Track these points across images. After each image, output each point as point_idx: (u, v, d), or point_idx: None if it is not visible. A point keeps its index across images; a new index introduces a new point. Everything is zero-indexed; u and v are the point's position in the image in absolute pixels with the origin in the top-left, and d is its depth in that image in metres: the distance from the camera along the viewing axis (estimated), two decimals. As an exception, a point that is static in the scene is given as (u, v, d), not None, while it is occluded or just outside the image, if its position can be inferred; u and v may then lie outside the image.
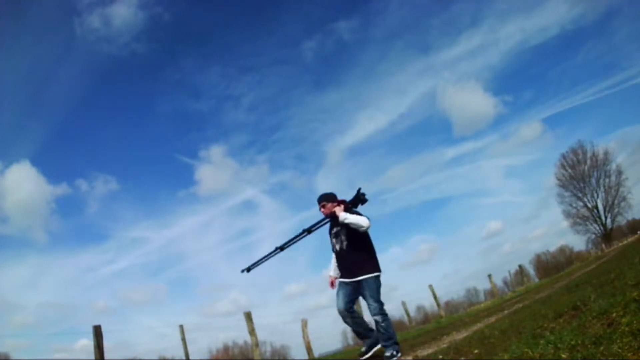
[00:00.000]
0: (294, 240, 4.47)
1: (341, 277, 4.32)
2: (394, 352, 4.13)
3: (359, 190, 4.29)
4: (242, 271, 4.87)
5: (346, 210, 4.24)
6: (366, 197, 4.28)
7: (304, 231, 4.37)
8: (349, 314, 4.24)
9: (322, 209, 4.41)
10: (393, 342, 4.19)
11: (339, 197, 4.45)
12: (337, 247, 4.31)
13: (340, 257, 4.30)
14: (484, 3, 61.82)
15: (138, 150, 61.14)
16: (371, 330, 4.40)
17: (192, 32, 61.71)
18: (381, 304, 4.13)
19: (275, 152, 65.53)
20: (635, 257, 5.66)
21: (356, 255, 4.19)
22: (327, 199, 4.42)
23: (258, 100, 63.98)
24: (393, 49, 64.69)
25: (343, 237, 4.26)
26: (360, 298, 4.29)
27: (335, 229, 4.35)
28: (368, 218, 4.12)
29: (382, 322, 4.11)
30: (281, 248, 4.52)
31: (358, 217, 4.07)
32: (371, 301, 4.09)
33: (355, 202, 4.31)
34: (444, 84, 60.58)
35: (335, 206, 4.29)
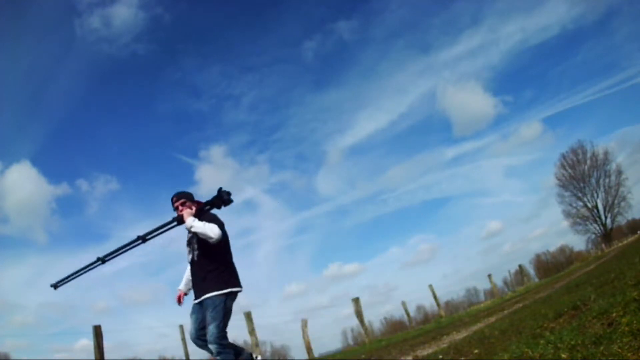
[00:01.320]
0: (124, 250, 3.72)
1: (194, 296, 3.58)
2: None
3: (219, 189, 3.61)
4: (52, 286, 3.99)
5: (198, 214, 3.59)
6: (231, 197, 3.61)
7: (138, 238, 3.65)
8: (203, 342, 3.45)
9: (177, 210, 3.67)
10: None
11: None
12: (189, 257, 3.64)
13: (192, 270, 3.63)
14: (484, 2, 61.73)
15: (138, 150, 61.03)
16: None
17: (192, 31, 61.68)
18: (221, 331, 3.33)
19: (276, 152, 65.47)
20: (635, 257, 5.66)
21: (203, 269, 3.50)
22: (184, 197, 3.70)
23: (258, 99, 63.89)
24: (393, 49, 64.59)
25: (195, 246, 3.57)
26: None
27: (189, 236, 3.65)
28: (221, 226, 3.48)
29: (217, 354, 3.30)
30: (102, 260, 3.75)
31: (207, 225, 3.40)
32: (210, 326, 3.32)
33: (216, 204, 3.65)
34: (444, 84, 60.49)
35: (186, 208, 3.59)
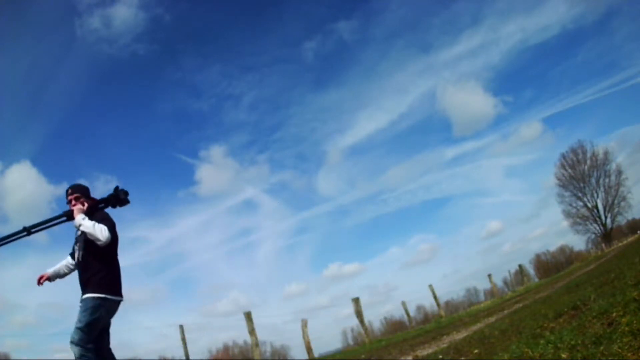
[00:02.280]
0: (11, 240, 3.47)
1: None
2: None
3: (116, 188, 3.47)
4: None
5: (91, 211, 3.41)
6: (128, 197, 3.47)
7: (24, 229, 3.41)
8: (86, 349, 3.10)
9: (69, 204, 3.45)
10: None
11: None
12: (76, 255, 3.41)
13: (78, 270, 3.42)
14: (485, 2, 61.67)
15: (139, 150, 61.08)
16: None
17: (192, 31, 61.68)
18: (86, 334, 3.09)
19: (276, 152, 65.44)
20: (635, 257, 5.66)
21: (87, 271, 3.31)
22: (79, 191, 3.51)
23: (258, 99, 63.86)
24: (393, 48, 64.52)
25: (82, 245, 3.36)
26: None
27: (77, 233, 3.43)
28: (111, 228, 3.31)
29: (77, 357, 3.06)
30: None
31: (97, 225, 3.22)
32: (75, 326, 3.12)
33: (111, 202, 3.48)
34: (444, 84, 60.48)
35: (78, 204, 3.41)
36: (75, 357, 3.08)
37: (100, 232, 3.22)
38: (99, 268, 3.31)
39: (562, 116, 59.70)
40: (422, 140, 68.09)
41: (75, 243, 3.44)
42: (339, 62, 66.58)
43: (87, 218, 3.30)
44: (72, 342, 3.09)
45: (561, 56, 61.50)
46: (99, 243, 3.23)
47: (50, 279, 3.56)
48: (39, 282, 3.52)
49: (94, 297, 3.22)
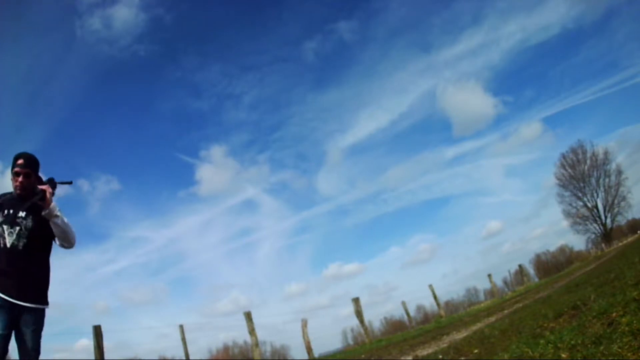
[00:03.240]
0: None
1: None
2: None
3: (52, 179, 2.89)
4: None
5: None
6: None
7: None
8: None
9: (21, 178, 2.70)
10: None
11: None
12: (7, 239, 2.63)
13: (7, 255, 2.61)
14: (485, 2, 61.65)
15: (139, 150, 61.09)
16: None
17: (192, 30, 61.67)
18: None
19: (276, 151, 65.45)
20: (635, 256, 5.66)
21: (31, 268, 2.67)
22: (36, 165, 2.80)
23: (259, 99, 63.83)
24: (394, 48, 64.47)
25: (24, 230, 2.67)
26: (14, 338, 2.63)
27: (13, 212, 2.68)
28: None
29: None
30: None
31: (69, 223, 2.79)
32: (35, 344, 2.64)
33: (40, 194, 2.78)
34: (445, 84, 60.51)
35: (44, 186, 2.75)
36: None
37: (72, 232, 2.80)
38: (47, 271, 2.80)
39: (562, 116, 59.84)
40: (422, 139, 68.12)
41: (7, 223, 2.67)
42: (339, 61, 66.60)
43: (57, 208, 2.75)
44: None
45: (561, 56, 61.52)
46: (64, 246, 2.78)
47: None
48: None
49: (44, 310, 2.74)
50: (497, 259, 57.52)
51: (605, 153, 41.26)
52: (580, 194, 41.96)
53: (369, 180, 66.71)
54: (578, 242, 47.39)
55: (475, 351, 3.64)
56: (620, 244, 32.49)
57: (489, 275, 21.98)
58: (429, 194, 66.39)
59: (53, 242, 2.83)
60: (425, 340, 5.84)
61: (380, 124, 69.62)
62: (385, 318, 39.17)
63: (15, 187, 2.75)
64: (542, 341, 2.56)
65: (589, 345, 1.94)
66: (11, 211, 2.70)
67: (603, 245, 37.39)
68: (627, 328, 1.95)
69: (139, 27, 52.01)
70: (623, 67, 51.82)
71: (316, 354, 11.33)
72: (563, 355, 1.84)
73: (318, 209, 68.31)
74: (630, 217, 41.78)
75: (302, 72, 64.49)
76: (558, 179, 42.90)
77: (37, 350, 2.66)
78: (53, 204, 2.72)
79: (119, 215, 57.71)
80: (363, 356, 7.15)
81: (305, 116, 65.00)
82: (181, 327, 9.73)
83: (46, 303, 2.77)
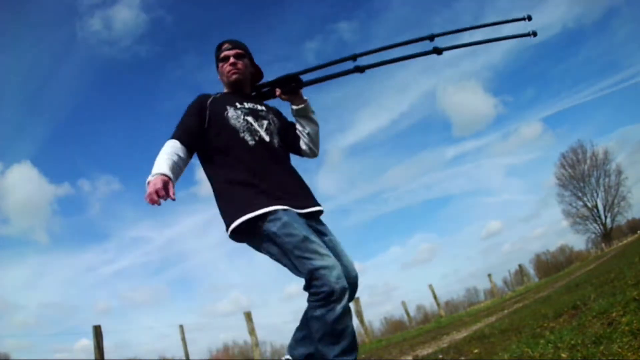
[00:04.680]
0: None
1: (275, 201, 1.89)
2: None
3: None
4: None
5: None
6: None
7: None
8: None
9: (232, 59, 2.16)
10: None
11: None
12: (264, 134, 2.04)
13: (267, 159, 2.01)
14: (486, 1, 61.74)
15: (140, 150, 61.02)
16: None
17: (193, 29, 61.60)
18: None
19: (276, 151, 65.35)
20: (635, 256, 5.66)
21: (293, 170, 2.17)
22: (247, 49, 2.26)
23: (258, 99, 63.84)
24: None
25: (273, 126, 2.13)
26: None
27: (255, 106, 2.15)
28: None
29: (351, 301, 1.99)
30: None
31: None
32: (348, 256, 2.06)
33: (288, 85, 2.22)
34: (445, 83, 60.57)
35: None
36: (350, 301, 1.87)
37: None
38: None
39: (562, 116, 59.80)
40: (422, 139, 68.01)
41: (253, 115, 2.08)
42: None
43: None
44: (357, 280, 2.02)
45: (562, 55, 61.52)
46: (314, 153, 2.27)
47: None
48: (165, 195, 1.82)
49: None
50: (497, 259, 57.56)
51: (605, 153, 41.32)
52: (580, 194, 42.00)
53: (369, 179, 66.66)
54: (578, 242, 47.49)
55: (475, 351, 3.63)
56: (620, 244, 32.48)
57: (489, 275, 22.02)
58: (429, 194, 66.39)
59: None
60: (425, 340, 5.84)
61: (381, 124, 69.61)
62: (385, 318, 39.17)
63: (228, 74, 2.17)
64: (542, 341, 2.55)
65: (589, 345, 1.94)
66: (245, 103, 2.11)
67: (603, 245, 37.39)
68: (627, 328, 1.95)
69: (140, 25, 52.03)
70: (623, 67, 51.91)
71: (316, 354, 11.32)
72: (563, 355, 1.84)
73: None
74: (630, 217, 41.82)
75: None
76: (558, 178, 42.95)
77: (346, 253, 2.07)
78: (307, 101, 2.19)
79: (120, 214, 57.62)
80: (363, 356, 7.15)
81: (305, 116, 64.98)
82: (181, 327, 9.73)
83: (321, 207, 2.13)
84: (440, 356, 3.92)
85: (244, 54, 2.22)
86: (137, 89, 58.43)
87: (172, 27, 54.03)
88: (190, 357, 9.55)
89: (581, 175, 41.70)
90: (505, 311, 7.74)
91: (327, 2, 61.50)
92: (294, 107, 2.17)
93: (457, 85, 58.88)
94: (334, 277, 1.70)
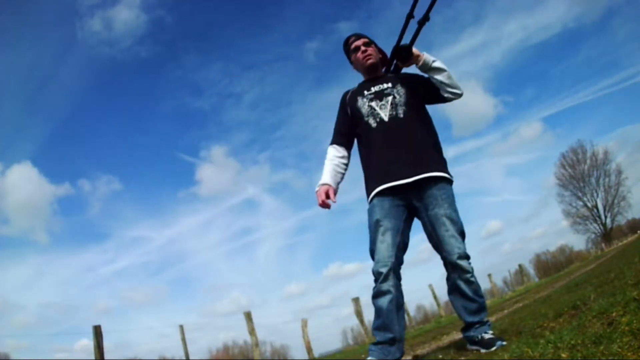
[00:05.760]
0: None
1: (382, 180, 2.19)
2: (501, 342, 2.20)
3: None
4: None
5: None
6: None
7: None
8: (396, 276, 2.15)
9: (362, 47, 2.38)
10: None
11: None
12: (384, 115, 2.23)
13: (387, 133, 2.21)
14: (486, 0, 61.87)
15: (139, 149, 61.18)
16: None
17: (193, 29, 61.82)
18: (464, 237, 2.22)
19: (277, 151, 65.57)
20: (635, 256, 5.67)
21: (418, 136, 2.23)
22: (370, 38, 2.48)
23: (259, 98, 64.08)
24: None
25: (398, 98, 2.26)
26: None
27: (382, 86, 2.32)
28: None
29: (472, 275, 2.22)
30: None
31: None
32: (455, 224, 2.16)
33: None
34: (444, 84, 60.46)
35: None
36: (469, 278, 2.23)
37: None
38: (436, 139, 2.36)
39: (562, 116, 60.07)
40: (422, 139, 68.03)
41: (375, 98, 2.29)
42: (340, 59, 66.31)
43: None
44: (461, 256, 2.20)
45: (562, 55, 61.63)
46: (454, 94, 2.31)
47: (336, 191, 2.40)
48: (327, 202, 2.28)
49: (449, 181, 2.26)
50: (497, 259, 57.70)
51: (605, 153, 41.39)
52: (580, 194, 42.04)
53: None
54: (578, 242, 47.59)
55: (475, 351, 3.63)
56: (620, 243, 32.51)
57: (489, 275, 22.05)
58: (429, 194, 66.23)
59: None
60: (425, 340, 5.84)
61: (381, 124, 69.56)
62: (385, 318, 39.13)
63: (363, 61, 2.38)
64: (542, 341, 2.56)
65: (589, 345, 1.94)
66: (372, 88, 2.33)
67: (603, 245, 37.43)
68: (627, 328, 1.95)
69: (140, 25, 52.10)
70: (623, 67, 52.15)
71: (316, 354, 11.33)
72: (563, 355, 1.84)
73: (318, 209, 68.08)
74: (630, 217, 41.91)
75: (303, 71, 64.65)
76: (558, 178, 42.99)
77: (456, 220, 2.21)
78: (423, 54, 2.22)
79: (120, 214, 57.82)
80: (363, 356, 7.14)
81: (306, 115, 65.23)
82: (181, 327, 9.74)
83: (443, 172, 2.23)
84: (440, 356, 3.93)
85: (370, 41, 2.46)
86: (137, 89, 58.62)
87: (172, 27, 54.27)
88: (190, 357, 9.55)
89: (581, 175, 41.75)
90: (505, 311, 7.74)
91: (327, 2, 61.67)
92: (417, 67, 2.31)
93: (457, 85, 58.86)
94: (374, 261, 2.21)
